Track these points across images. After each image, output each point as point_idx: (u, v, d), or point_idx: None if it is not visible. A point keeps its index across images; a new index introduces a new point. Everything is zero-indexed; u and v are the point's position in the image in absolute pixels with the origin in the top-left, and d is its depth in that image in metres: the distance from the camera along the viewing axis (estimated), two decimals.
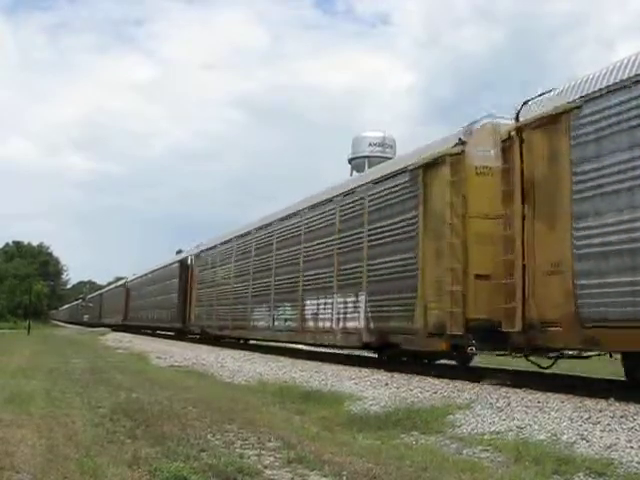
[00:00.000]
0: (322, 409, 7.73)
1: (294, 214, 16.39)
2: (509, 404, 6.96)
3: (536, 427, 5.86)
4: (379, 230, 11.79)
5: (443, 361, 11.93)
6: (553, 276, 7.75)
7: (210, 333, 23.51)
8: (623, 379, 8.37)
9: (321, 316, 13.99)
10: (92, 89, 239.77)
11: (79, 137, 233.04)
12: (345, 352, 15.72)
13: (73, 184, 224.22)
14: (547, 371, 9.64)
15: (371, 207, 12.22)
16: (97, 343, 27.86)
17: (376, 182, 12.33)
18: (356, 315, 12.30)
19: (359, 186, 13.17)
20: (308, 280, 14.80)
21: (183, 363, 15.36)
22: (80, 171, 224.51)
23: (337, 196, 13.97)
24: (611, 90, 7.20)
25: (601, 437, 5.31)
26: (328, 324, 13.57)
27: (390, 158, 34.85)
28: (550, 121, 7.99)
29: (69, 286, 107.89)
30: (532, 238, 8.16)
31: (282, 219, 17.23)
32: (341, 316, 13.00)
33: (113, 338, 32.23)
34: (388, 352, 12.01)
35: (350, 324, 12.60)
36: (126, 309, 44.35)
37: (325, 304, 13.80)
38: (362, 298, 12.11)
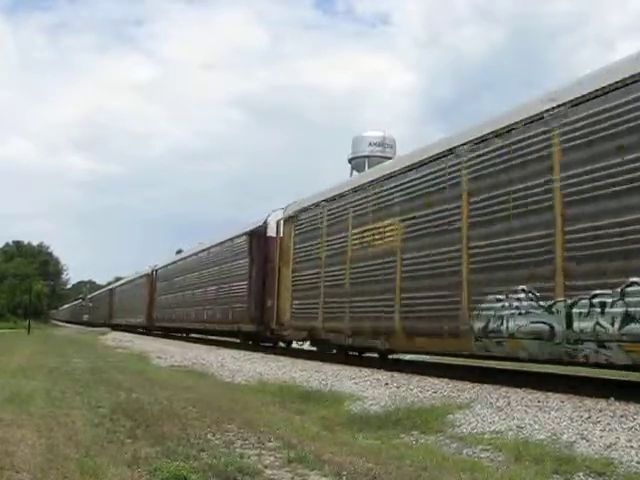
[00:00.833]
0: (322, 409, 7.73)
1: None
2: (509, 404, 6.97)
3: (536, 427, 5.86)
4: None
5: (443, 361, 11.89)
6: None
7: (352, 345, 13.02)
8: (623, 379, 8.38)
9: None
10: (92, 89, 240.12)
11: (79, 137, 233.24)
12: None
13: (73, 184, 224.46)
14: (547, 371, 9.64)
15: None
16: (97, 343, 27.86)
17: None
18: None
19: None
20: None
21: (183, 363, 15.36)
22: (80, 171, 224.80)
23: None
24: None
25: (601, 437, 5.31)
26: None
27: (390, 158, 34.81)
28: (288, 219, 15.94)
29: (69, 286, 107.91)
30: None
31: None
32: None
33: (113, 338, 32.23)
34: None
35: None
36: (150, 306, 34.62)
37: None
38: None
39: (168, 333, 32.25)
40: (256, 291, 18.29)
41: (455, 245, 9.62)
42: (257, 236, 18.84)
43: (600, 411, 6.19)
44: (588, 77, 8.04)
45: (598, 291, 7.20)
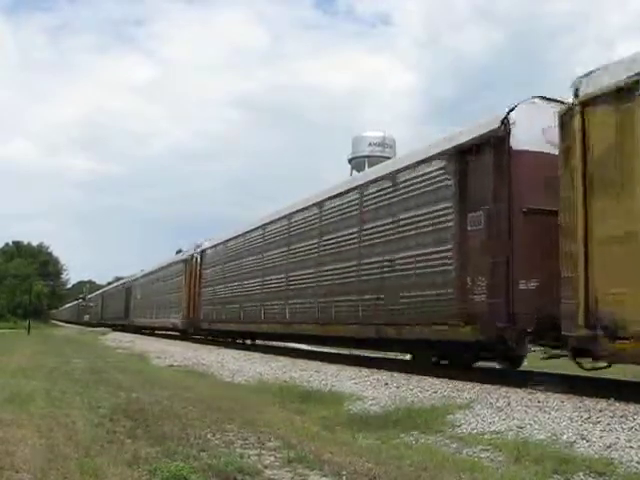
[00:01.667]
0: (322, 409, 7.73)
1: None
2: (509, 404, 6.97)
3: (536, 427, 5.86)
4: None
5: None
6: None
7: None
8: (623, 379, 8.38)
9: None
10: (92, 89, 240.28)
11: (79, 137, 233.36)
12: (345, 352, 15.74)
13: (73, 184, 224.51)
14: (547, 371, 9.64)
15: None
16: (97, 343, 27.87)
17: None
18: None
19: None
20: None
21: (183, 363, 15.37)
22: (80, 171, 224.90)
23: None
24: None
25: (601, 437, 5.31)
26: None
27: (389, 158, 34.80)
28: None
29: (69, 286, 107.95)
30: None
31: None
32: None
33: (113, 338, 32.24)
34: None
35: None
36: (192, 301, 24.95)
37: None
38: None
39: (222, 339, 22.99)
40: None
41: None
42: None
43: (600, 411, 6.19)
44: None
45: None
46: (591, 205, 7.06)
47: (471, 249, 9.05)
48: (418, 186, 10.42)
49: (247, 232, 19.45)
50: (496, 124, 8.81)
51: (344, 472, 4.37)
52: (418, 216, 10.29)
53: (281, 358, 14.92)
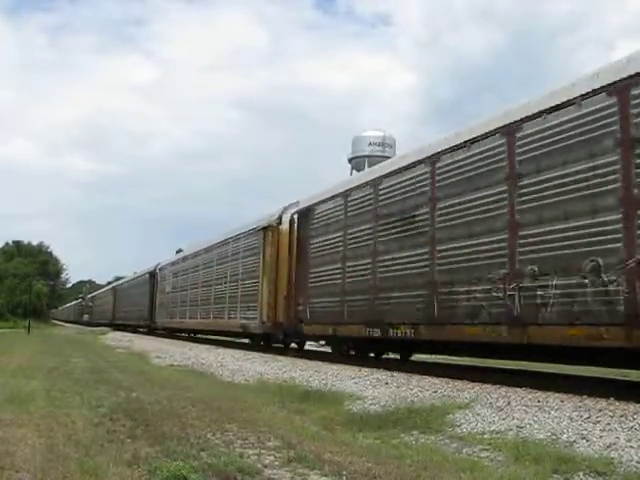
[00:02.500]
0: (322, 409, 7.73)
1: None
2: (509, 403, 6.97)
3: (536, 426, 5.87)
4: None
5: (444, 360, 11.87)
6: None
7: None
8: (623, 379, 8.37)
9: None
10: (92, 89, 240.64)
11: (79, 137, 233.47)
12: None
13: (73, 184, 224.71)
14: (547, 371, 9.64)
15: None
16: (97, 342, 27.86)
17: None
18: None
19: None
20: None
21: (183, 362, 15.37)
22: (80, 171, 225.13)
23: None
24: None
25: (601, 436, 5.32)
26: None
27: (389, 157, 34.75)
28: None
29: (69, 285, 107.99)
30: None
31: None
32: None
33: (113, 337, 32.23)
34: None
35: None
36: (289, 293, 15.37)
37: None
38: None
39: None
40: None
41: None
42: None
43: (600, 411, 6.19)
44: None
45: None
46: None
47: None
48: None
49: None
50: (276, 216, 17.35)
51: (344, 472, 4.37)
52: None
53: (281, 358, 14.92)
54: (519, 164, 8.62)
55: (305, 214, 15.16)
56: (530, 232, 8.31)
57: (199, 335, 27.97)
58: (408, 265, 10.84)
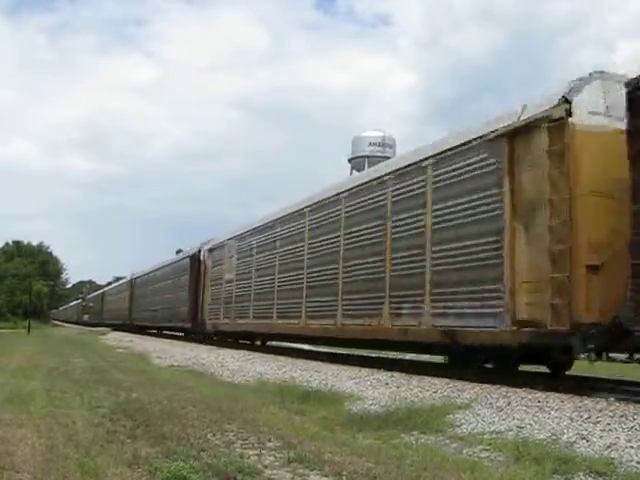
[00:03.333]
0: (322, 409, 7.73)
1: None
2: (509, 404, 6.97)
3: (536, 427, 5.86)
4: None
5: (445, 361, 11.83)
6: None
7: None
8: (623, 379, 8.37)
9: None
10: (92, 89, 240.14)
11: (80, 137, 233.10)
12: (344, 352, 15.71)
13: (73, 184, 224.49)
14: (547, 371, 9.64)
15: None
16: (97, 343, 27.85)
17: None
18: None
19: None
20: None
21: (183, 363, 15.36)
22: (80, 171, 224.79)
23: None
24: None
25: (601, 437, 5.31)
26: None
27: (389, 157, 34.73)
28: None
29: (69, 286, 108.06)
30: None
31: None
32: None
33: (113, 338, 32.22)
34: None
35: None
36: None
37: None
38: None
39: None
40: None
41: None
42: None
43: (600, 411, 6.19)
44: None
45: None
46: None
47: None
48: None
49: None
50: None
51: (344, 472, 4.37)
52: None
53: (281, 358, 14.92)
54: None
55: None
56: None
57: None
58: None
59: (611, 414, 6.02)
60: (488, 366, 9.88)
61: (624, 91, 7.30)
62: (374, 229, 11.98)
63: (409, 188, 10.99)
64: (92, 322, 60.27)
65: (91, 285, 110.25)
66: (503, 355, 9.17)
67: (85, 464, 4.38)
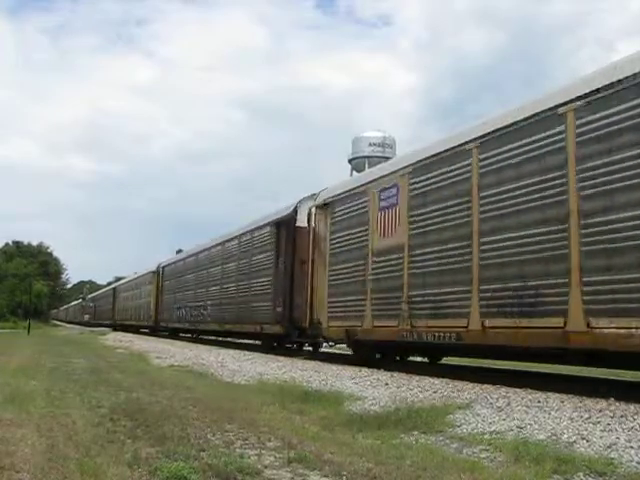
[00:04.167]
0: (322, 409, 7.73)
1: None
2: (509, 404, 6.97)
3: (536, 427, 5.86)
4: None
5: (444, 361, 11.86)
6: None
7: None
8: (623, 379, 8.38)
9: None
10: (93, 90, 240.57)
11: (80, 137, 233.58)
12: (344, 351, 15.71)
13: (73, 184, 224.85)
14: (547, 371, 9.64)
15: None
16: (97, 343, 27.85)
17: None
18: None
19: None
20: None
21: (183, 363, 15.35)
22: (80, 171, 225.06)
23: None
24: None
25: (601, 437, 5.31)
26: None
27: (390, 158, 34.71)
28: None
29: (69, 286, 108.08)
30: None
31: None
32: None
33: (113, 338, 32.23)
34: None
35: None
36: None
37: None
38: None
39: None
40: None
41: None
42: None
43: (600, 411, 6.19)
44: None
45: None
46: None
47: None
48: None
49: None
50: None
51: (344, 472, 4.37)
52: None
53: (281, 358, 14.93)
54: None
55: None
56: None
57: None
58: None
59: (611, 414, 6.03)
60: None
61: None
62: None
63: None
64: (97, 323, 59.82)
65: (91, 285, 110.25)
66: None
67: (85, 464, 4.39)
